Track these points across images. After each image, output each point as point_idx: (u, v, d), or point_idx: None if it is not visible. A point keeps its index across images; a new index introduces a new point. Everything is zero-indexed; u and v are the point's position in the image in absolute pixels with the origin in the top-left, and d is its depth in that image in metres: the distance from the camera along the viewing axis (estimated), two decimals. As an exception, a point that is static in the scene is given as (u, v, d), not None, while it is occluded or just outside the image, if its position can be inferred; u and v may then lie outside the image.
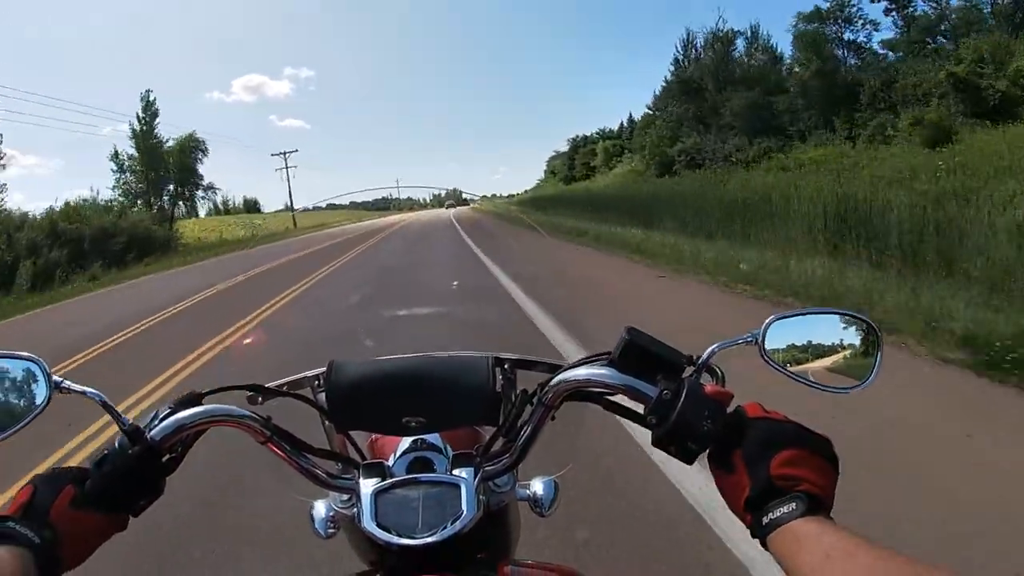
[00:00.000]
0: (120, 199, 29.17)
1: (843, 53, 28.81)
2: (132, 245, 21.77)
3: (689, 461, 0.49)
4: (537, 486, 0.67)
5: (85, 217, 21.69)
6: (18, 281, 14.95)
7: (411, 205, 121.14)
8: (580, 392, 0.56)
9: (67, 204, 22.48)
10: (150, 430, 0.51)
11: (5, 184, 21.33)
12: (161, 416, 0.52)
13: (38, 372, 0.52)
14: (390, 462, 0.61)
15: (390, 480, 0.57)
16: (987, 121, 16.30)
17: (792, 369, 0.54)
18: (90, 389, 0.52)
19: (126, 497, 0.49)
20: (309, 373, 0.66)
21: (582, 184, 43.93)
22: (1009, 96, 17.10)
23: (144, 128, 29.51)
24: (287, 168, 41.52)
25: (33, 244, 17.75)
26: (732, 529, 1.72)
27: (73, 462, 2.22)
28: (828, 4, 27.62)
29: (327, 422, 0.64)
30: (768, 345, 0.54)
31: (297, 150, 43.89)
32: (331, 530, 0.63)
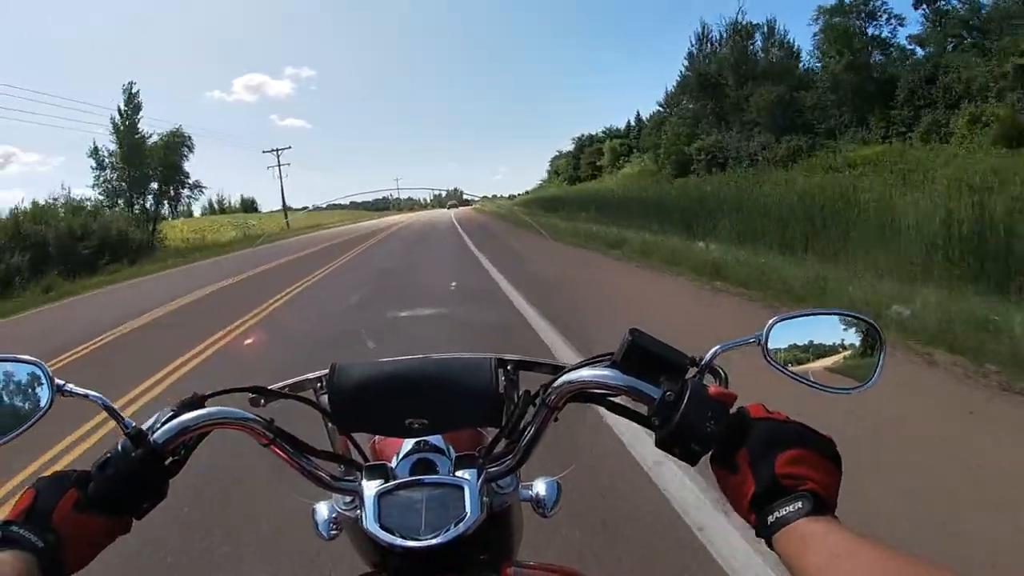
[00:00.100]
0: (100, 198, 27.29)
1: (867, 49, 27.00)
2: (104, 249, 19.92)
3: (692, 462, 0.49)
4: (540, 487, 0.68)
5: (53, 218, 19.84)
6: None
7: (411, 205, 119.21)
8: (583, 393, 0.55)
9: (35, 204, 20.64)
10: (153, 433, 0.50)
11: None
12: (164, 419, 0.52)
13: (41, 375, 0.52)
14: (393, 464, 0.61)
15: (393, 482, 0.56)
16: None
17: (794, 369, 0.54)
18: (92, 392, 0.52)
19: (129, 500, 0.48)
20: (311, 375, 0.65)
21: (589, 184, 42.11)
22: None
23: (126, 123, 27.59)
24: (279, 166, 39.31)
25: (-6, 248, 15.96)
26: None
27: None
28: (850, -1, 25.78)
29: (330, 424, 0.64)
30: (771, 346, 0.53)
31: (290, 147, 39.72)
32: (333, 532, 0.64)
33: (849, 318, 0.56)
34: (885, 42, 26.67)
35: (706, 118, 27.45)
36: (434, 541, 0.52)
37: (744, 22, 29.48)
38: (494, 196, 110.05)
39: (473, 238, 13.35)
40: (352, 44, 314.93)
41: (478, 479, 0.56)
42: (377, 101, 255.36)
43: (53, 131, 40.87)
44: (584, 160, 53.40)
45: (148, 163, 27.94)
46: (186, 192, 29.58)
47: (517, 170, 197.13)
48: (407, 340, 4.53)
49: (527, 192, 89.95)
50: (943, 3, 25.03)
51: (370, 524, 0.53)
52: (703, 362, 0.53)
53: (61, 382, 0.52)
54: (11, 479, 2.70)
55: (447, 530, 0.52)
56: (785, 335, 0.54)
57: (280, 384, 0.65)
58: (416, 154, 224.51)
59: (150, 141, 28.36)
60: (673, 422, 0.48)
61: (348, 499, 0.61)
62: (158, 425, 0.52)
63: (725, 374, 0.54)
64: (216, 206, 76.19)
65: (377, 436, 0.72)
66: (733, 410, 0.48)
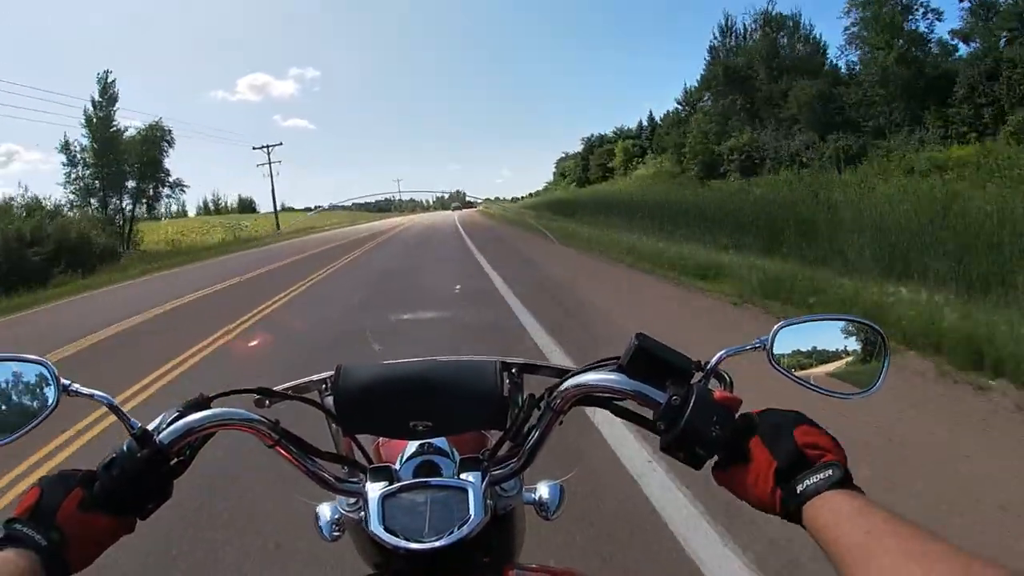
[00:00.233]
0: (72, 197, 24.87)
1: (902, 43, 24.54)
2: (61, 255, 17.49)
3: (697, 467, 0.49)
4: (543, 490, 0.68)
5: (2, 219, 17.41)
6: None
7: (413, 207, 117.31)
8: (589, 397, 0.55)
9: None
10: (158, 433, 0.50)
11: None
12: (169, 419, 0.52)
13: (47, 375, 0.52)
14: (397, 466, 0.60)
15: (397, 484, 0.56)
16: None
17: (799, 374, 0.54)
18: (98, 392, 0.52)
19: (134, 500, 0.48)
20: (317, 377, 0.66)
21: (600, 187, 39.57)
22: None
23: (100, 115, 25.18)
24: (270, 163, 36.73)
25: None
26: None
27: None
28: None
29: (334, 425, 0.64)
30: (776, 351, 0.53)
31: (281, 143, 36.95)
32: (336, 533, 0.64)
33: (855, 324, 0.56)
34: (923, 37, 24.26)
35: (736, 115, 24.89)
36: (438, 543, 0.51)
37: (774, 13, 27.10)
38: (496, 198, 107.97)
39: (486, 253, 10.91)
40: (356, 45, 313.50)
41: (482, 482, 0.56)
42: (380, 102, 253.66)
43: (55, 129, 38.62)
44: (594, 161, 50.91)
45: (124, 159, 25.53)
46: (166, 191, 26.98)
47: (520, 172, 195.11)
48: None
49: (531, 195, 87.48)
50: (992, -4, 22.60)
51: (374, 526, 0.53)
52: (708, 367, 0.52)
53: (67, 382, 0.52)
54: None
55: (450, 533, 0.52)
56: (790, 340, 0.54)
57: (285, 385, 0.65)
58: (418, 155, 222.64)
59: (127, 135, 25.95)
60: (678, 426, 0.48)
61: (352, 501, 0.60)
62: (164, 426, 0.51)
63: (730, 379, 0.54)
64: (211, 206, 74.20)
65: (381, 438, 0.71)
66: (738, 415, 0.48)
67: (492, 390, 0.58)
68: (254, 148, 38.80)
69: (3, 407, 0.53)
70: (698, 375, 0.52)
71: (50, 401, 0.52)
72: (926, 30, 23.94)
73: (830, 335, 0.56)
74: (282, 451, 0.56)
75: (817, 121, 21.65)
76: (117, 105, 25.81)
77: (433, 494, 0.55)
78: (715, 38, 30.98)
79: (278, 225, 36.20)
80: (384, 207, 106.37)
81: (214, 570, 1.82)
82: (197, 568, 1.83)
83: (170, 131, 26.56)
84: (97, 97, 25.47)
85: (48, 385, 0.52)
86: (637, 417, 0.54)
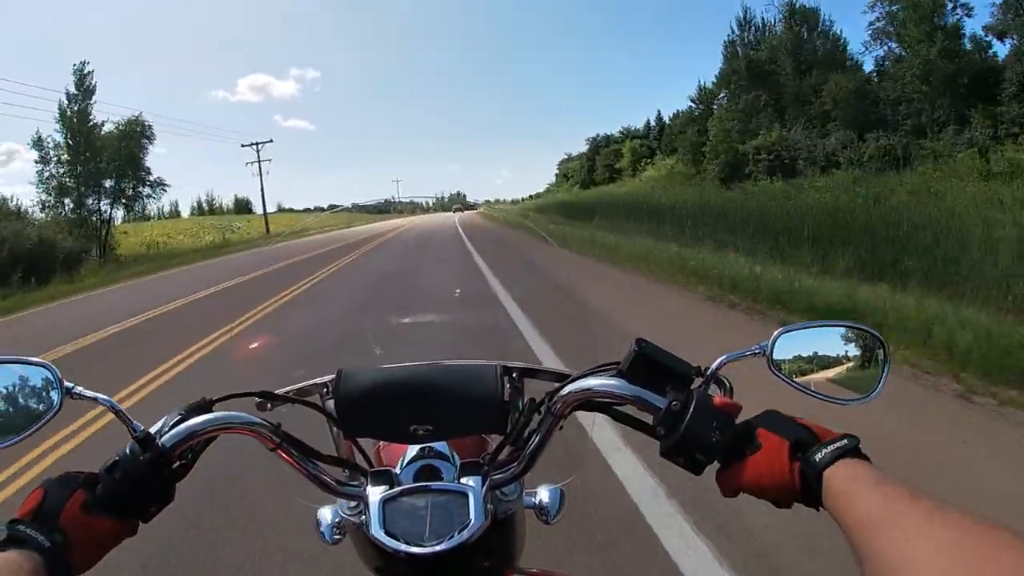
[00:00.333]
0: (46, 197, 22.99)
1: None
2: (17, 262, 15.65)
3: (697, 472, 0.49)
4: (543, 494, 0.69)
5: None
6: None
7: (413, 208, 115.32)
8: (589, 402, 0.55)
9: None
10: (161, 436, 0.50)
11: None
12: (172, 422, 0.52)
13: (50, 377, 0.52)
14: (397, 469, 0.60)
15: (398, 488, 0.56)
16: None
17: (799, 380, 0.53)
18: (101, 395, 0.52)
19: (136, 503, 0.48)
20: (318, 380, 0.65)
21: (608, 188, 37.71)
22: None
23: (76, 109, 23.33)
24: (259, 162, 34.79)
25: None
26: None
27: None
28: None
29: (335, 429, 0.63)
30: (776, 356, 0.53)
31: (272, 140, 35.02)
32: (336, 536, 0.64)
33: (855, 330, 0.55)
34: (959, 31, 22.52)
35: (762, 111, 23.06)
36: (438, 547, 0.51)
37: (798, 5, 25.34)
38: (496, 200, 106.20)
39: (500, 273, 9.05)
40: (356, 46, 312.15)
41: (482, 486, 0.56)
42: (380, 103, 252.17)
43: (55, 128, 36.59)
44: (600, 162, 49.12)
45: (101, 156, 23.67)
46: (147, 190, 25.06)
47: (520, 173, 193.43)
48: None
49: (531, 196, 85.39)
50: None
51: (375, 530, 0.53)
52: (709, 372, 0.52)
53: (70, 384, 0.52)
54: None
55: (451, 537, 0.52)
56: (790, 346, 0.53)
57: (287, 389, 0.65)
58: (418, 156, 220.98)
59: (104, 130, 24.04)
60: (678, 432, 0.47)
61: (352, 504, 0.60)
62: (166, 429, 0.51)
63: (730, 384, 0.54)
64: (205, 206, 72.36)
65: (382, 441, 0.71)
66: (739, 421, 0.48)
67: (493, 394, 0.58)
68: (243, 146, 36.69)
69: (6, 409, 0.53)
70: (698, 380, 0.52)
71: (53, 404, 0.52)
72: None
73: (830, 341, 0.55)
74: (283, 454, 0.55)
75: (853, 119, 19.84)
76: (94, 98, 23.97)
77: (434, 498, 0.55)
78: (732, 32, 29.34)
79: (267, 228, 34.23)
80: (383, 209, 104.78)
81: (214, 572, 1.80)
82: (198, 570, 1.82)
83: (150, 126, 24.63)
84: (73, 90, 23.66)
85: (51, 388, 0.52)
86: (637, 422, 0.54)
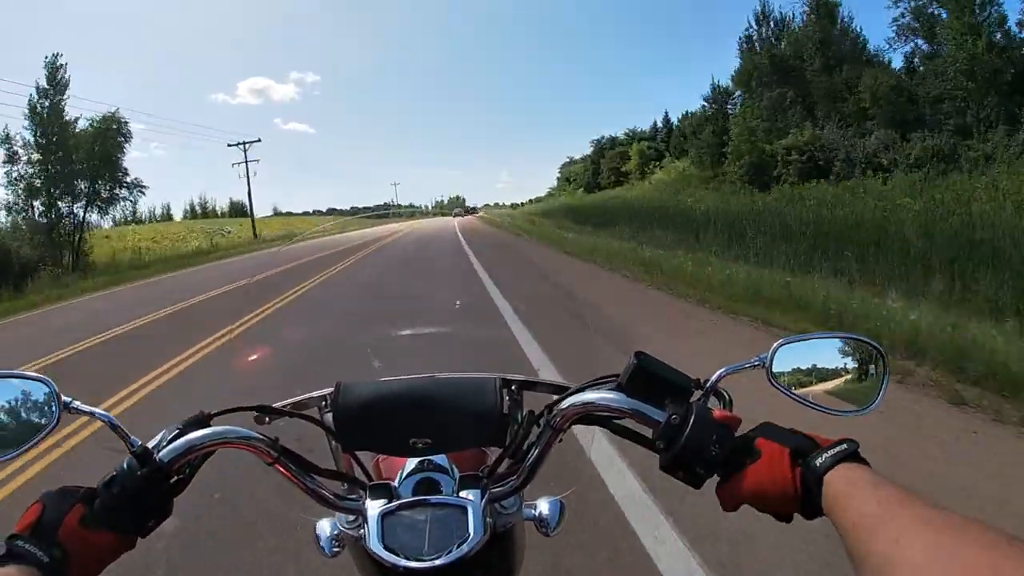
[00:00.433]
0: (13, 199, 21.18)
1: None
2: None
3: (697, 486, 0.48)
4: (543, 506, 0.69)
5: None
6: None
7: (411, 212, 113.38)
8: (588, 416, 0.55)
9: None
10: (158, 451, 0.50)
11: None
12: (169, 437, 0.51)
13: (48, 392, 0.52)
14: (396, 482, 0.60)
15: (397, 502, 0.56)
16: None
17: (798, 392, 0.53)
18: (99, 410, 0.52)
19: (134, 518, 0.48)
20: (316, 393, 0.65)
21: (613, 192, 35.98)
22: None
23: (47, 105, 21.58)
24: (247, 162, 32.87)
25: None
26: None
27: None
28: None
29: (334, 442, 0.63)
30: (775, 369, 0.53)
31: (260, 139, 32.88)
32: (336, 548, 0.64)
33: (853, 342, 0.55)
34: (997, 25, 20.86)
35: (789, 109, 21.31)
36: (437, 562, 0.51)
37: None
38: (495, 204, 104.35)
39: (519, 303, 7.07)
40: (356, 51, 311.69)
41: (482, 500, 0.56)
42: (379, 107, 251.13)
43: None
44: (605, 165, 47.42)
45: (74, 155, 21.89)
46: (123, 192, 23.24)
47: (519, 178, 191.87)
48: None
49: (531, 201, 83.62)
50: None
51: (374, 544, 0.53)
52: (708, 385, 0.52)
53: (68, 399, 0.52)
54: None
55: (450, 551, 0.51)
56: (789, 358, 0.53)
57: (285, 402, 0.64)
58: (417, 160, 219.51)
59: (78, 128, 22.27)
60: (678, 445, 0.47)
61: (351, 518, 0.59)
62: (164, 443, 0.51)
63: (729, 397, 0.53)
64: (199, 209, 70.52)
65: (381, 454, 0.70)
66: (738, 434, 0.48)
67: (492, 407, 0.57)
68: (229, 145, 34.34)
69: (5, 423, 0.53)
70: (697, 393, 0.51)
71: (52, 418, 0.52)
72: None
73: (829, 353, 0.55)
74: (281, 469, 0.55)
75: (892, 118, 18.10)
76: (68, 93, 22.20)
77: (433, 512, 0.54)
78: (750, 27, 27.73)
79: (255, 232, 32.28)
80: (383, 212, 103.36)
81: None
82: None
83: (127, 123, 22.83)
84: (44, 84, 21.88)
85: (50, 402, 0.52)
86: (636, 436, 0.53)
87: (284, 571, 1.79)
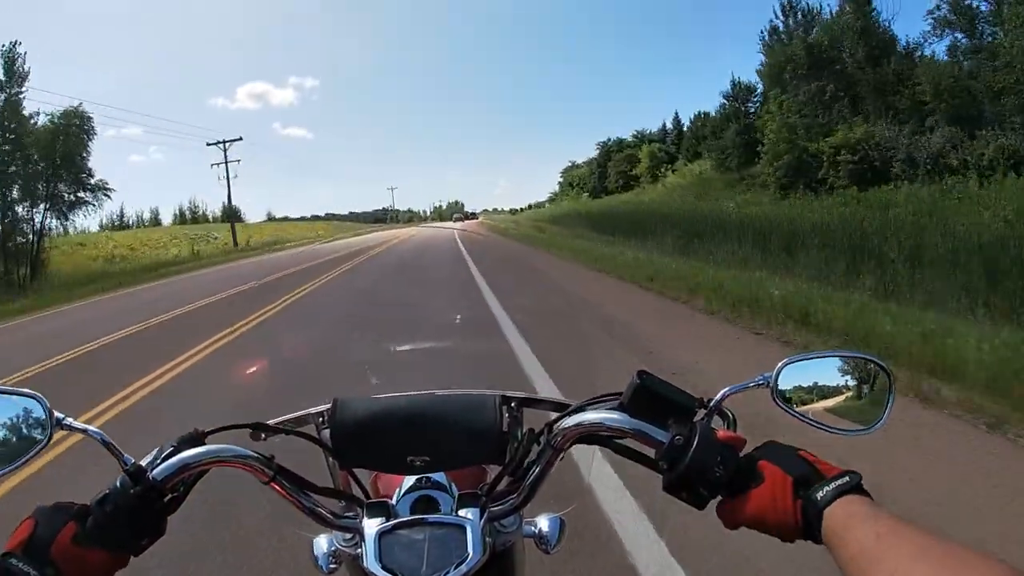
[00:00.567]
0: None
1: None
2: None
3: (700, 507, 0.48)
4: (543, 523, 0.68)
5: None
6: None
7: (409, 218, 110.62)
8: (589, 435, 0.53)
9: None
10: (152, 469, 0.49)
11: None
12: (163, 455, 0.50)
13: (40, 409, 0.52)
14: (394, 500, 0.60)
15: (394, 521, 0.55)
16: None
17: (801, 410, 0.52)
18: (91, 428, 0.52)
19: (128, 536, 0.47)
20: (313, 410, 0.63)
21: (624, 197, 33.77)
22: None
23: (2, 98, 19.25)
24: (227, 163, 30.25)
25: None
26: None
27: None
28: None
29: (331, 459, 0.62)
30: (780, 387, 0.52)
31: (241, 138, 30.27)
32: (332, 566, 0.63)
33: (859, 360, 0.54)
34: None
35: (833, 104, 19.10)
36: None
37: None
38: (494, 210, 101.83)
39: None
40: (355, 54, 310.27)
41: (481, 518, 0.55)
42: (378, 112, 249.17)
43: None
44: (613, 168, 45.19)
45: (35, 155, 19.56)
46: (87, 195, 20.84)
47: (517, 183, 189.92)
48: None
49: (531, 206, 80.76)
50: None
51: (371, 564, 0.52)
52: (712, 404, 0.51)
53: (60, 415, 0.52)
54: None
55: (448, 572, 0.51)
56: (794, 377, 0.52)
57: (281, 419, 0.63)
58: (415, 166, 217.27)
59: (38, 124, 19.92)
60: (682, 466, 0.46)
61: (348, 536, 0.58)
62: (158, 462, 0.50)
63: (734, 416, 0.53)
64: (188, 214, 68.04)
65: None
66: (742, 454, 0.47)
67: (491, 425, 0.57)
68: (208, 144, 30.91)
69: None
70: (700, 413, 0.51)
71: (44, 434, 0.52)
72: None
73: (834, 371, 0.54)
74: (277, 487, 0.54)
75: (955, 114, 15.93)
76: (27, 85, 19.87)
77: (431, 531, 0.53)
78: (776, 17, 25.69)
79: (235, 240, 29.71)
80: (381, 216, 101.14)
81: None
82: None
83: (90, 118, 20.47)
84: (0, 76, 19.56)
85: (42, 418, 0.52)
86: (639, 456, 0.52)
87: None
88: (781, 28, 25.68)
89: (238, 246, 28.48)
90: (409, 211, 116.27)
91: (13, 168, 19.46)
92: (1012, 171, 13.71)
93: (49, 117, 19.84)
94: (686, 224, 11.26)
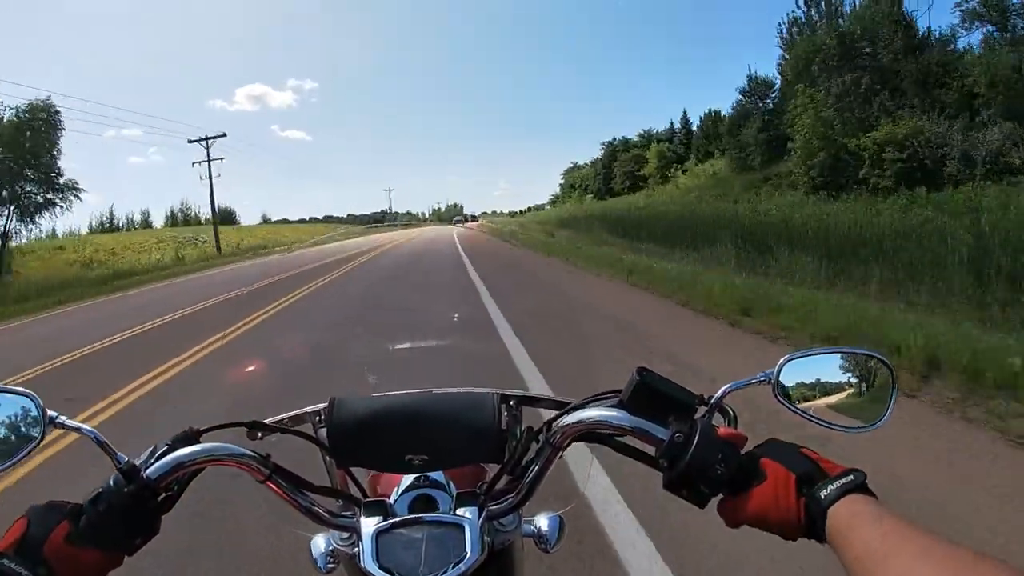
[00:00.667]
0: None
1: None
2: None
3: (701, 505, 0.47)
4: (542, 522, 0.67)
5: None
6: None
7: (408, 220, 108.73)
8: (589, 433, 0.53)
9: None
10: (146, 468, 0.49)
11: None
12: (158, 453, 0.50)
13: (33, 407, 0.51)
14: (392, 499, 0.59)
15: (391, 520, 0.54)
16: None
17: (804, 406, 0.52)
18: (85, 426, 0.51)
19: (121, 535, 0.47)
20: (310, 408, 0.63)
21: (632, 198, 32.18)
22: None
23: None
24: (209, 161, 28.48)
25: None
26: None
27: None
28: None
29: (328, 458, 0.62)
30: (782, 384, 0.52)
31: (225, 134, 28.42)
32: (330, 565, 0.62)
33: (861, 356, 0.53)
34: None
35: (874, 98, 17.52)
36: None
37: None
38: (494, 212, 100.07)
39: None
40: (354, 56, 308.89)
41: (479, 517, 0.54)
42: (376, 114, 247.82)
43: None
44: (618, 169, 43.66)
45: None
46: (55, 196, 19.15)
47: (517, 185, 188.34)
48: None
49: (531, 209, 78.93)
50: None
51: (368, 563, 0.51)
52: (712, 401, 0.51)
53: (54, 414, 0.51)
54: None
55: (446, 571, 0.50)
56: (795, 373, 0.52)
57: (278, 417, 0.62)
58: (414, 168, 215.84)
59: (4, 119, 18.24)
60: (682, 464, 0.46)
61: (346, 535, 0.58)
62: (152, 460, 0.49)
63: (734, 413, 0.52)
64: (179, 216, 66.16)
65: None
66: (744, 452, 0.47)
67: (490, 423, 0.56)
68: (190, 141, 29.13)
69: None
70: (701, 410, 0.50)
71: (38, 433, 0.51)
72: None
73: (836, 368, 0.53)
74: (273, 486, 0.53)
75: (1010, 108, 14.39)
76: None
77: (429, 530, 0.53)
78: (797, 7, 24.21)
79: (218, 246, 27.91)
80: (379, 219, 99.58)
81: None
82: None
83: (57, 112, 18.76)
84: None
85: (36, 417, 0.51)
86: (639, 454, 0.52)
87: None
88: (803, 19, 24.32)
89: (221, 252, 26.69)
90: (408, 213, 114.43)
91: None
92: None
93: (13, 110, 18.16)
94: (742, 231, 9.58)
